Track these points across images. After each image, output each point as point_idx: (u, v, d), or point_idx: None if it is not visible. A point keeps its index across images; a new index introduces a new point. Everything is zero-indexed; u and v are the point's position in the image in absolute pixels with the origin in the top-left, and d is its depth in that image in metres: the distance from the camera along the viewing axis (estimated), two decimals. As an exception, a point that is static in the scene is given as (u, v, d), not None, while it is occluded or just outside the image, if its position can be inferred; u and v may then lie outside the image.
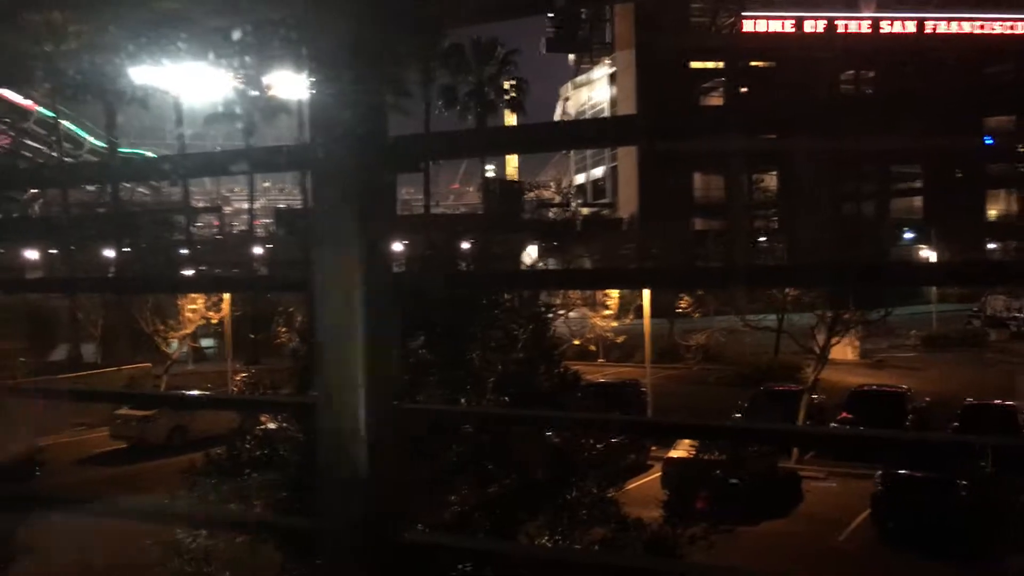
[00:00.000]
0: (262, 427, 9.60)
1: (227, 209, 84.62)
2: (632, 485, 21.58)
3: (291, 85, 54.71)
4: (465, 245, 53.52)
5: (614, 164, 75.99)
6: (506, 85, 57.97)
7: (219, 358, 39.65)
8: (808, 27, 70.10)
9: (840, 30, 70.26)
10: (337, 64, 1.81)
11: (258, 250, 59.33)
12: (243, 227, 70.55)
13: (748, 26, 69.84)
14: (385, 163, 1.86)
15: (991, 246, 65.58)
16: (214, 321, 36.71)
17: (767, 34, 69.80)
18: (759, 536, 18.15)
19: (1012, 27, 71.09)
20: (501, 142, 3.25)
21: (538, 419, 4.43)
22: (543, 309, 10.32)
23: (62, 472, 23.08)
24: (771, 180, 72.17)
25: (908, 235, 63.18)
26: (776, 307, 33.38)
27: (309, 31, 1.83)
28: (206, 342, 43.96)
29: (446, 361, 8.35)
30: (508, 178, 77.66)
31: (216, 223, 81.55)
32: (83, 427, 30.02)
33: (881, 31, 70.61)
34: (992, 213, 75.99)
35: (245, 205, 70.10)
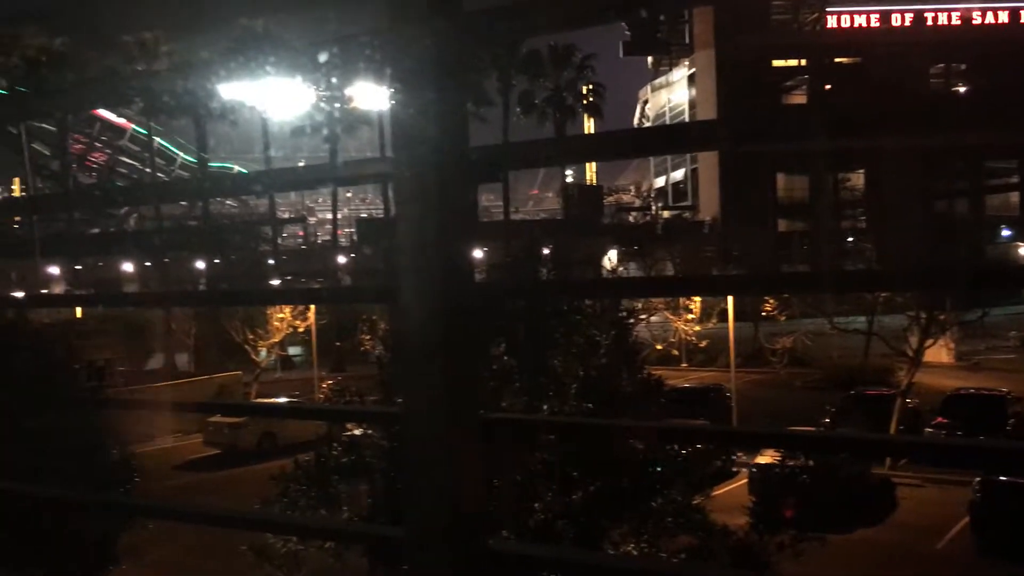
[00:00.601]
0: (348, 434, 9.76)
1: (311, 219, 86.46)
2: (718, 491, 21.29)
3: (372, 97, 55.66)
4: (545, 251, 53.59)
5: (695, 166, 75.12)
6: (584, 90, 57.83)
7: (306, 366, 40.50)
8: (895, 21, 68.16)
9: (929, 23, 68.11)
10: (419, 77, 1.83)
11: (342, 259, 60.49)
12: (327, 237, 71.97)
13: (832, 22, 68.28)
14: (467, 174, 1.87)
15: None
16: (300, 330, 37.54)
17: (852, 29, 68.12)
18: (852, 544, 17.67)
19: (1114, 13, 67.88)
20: (581, 150, 3.26)
21: (624, 429, 4.40)
22: (625, 315, 10.24)
23: (159, 477, 23.85)
24: (858, 179, 70.31)
25: (1005, 233, 60.79)
26: (866, 309, 32.45)
27: (391, 45, 1.86)
28: (293, 350, 44.99)
29: (528, 367, 8.35)
30: (587, 183, 77.43)
31: (301, 233, 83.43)
32: (179, 433, 31.03)
33: (972, 22, 68.20)
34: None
35: (328, 215, 71.48)
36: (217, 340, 39.48)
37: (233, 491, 22.97)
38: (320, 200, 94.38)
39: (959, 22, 68.42)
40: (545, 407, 8.30)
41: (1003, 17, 68.31)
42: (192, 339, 42.60)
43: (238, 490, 22.79)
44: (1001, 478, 17.71)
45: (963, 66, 71.25)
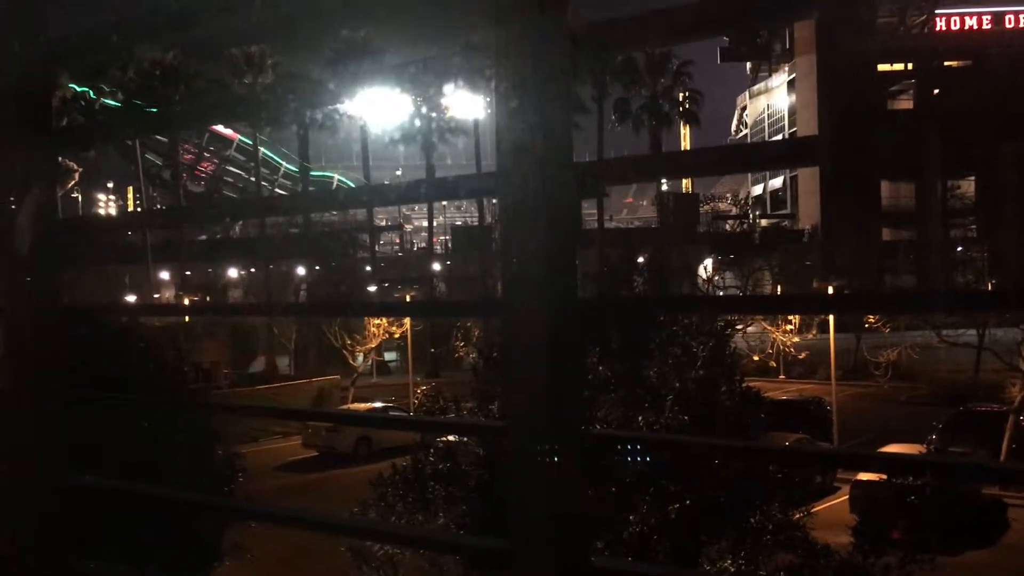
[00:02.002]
0: (444, 440, 9.86)
1: (408, 227, 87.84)
2: (820, 508, 20.73)
3: (468, 106, 56.23)
4: (642, 260, 53.14)
5: (794, 174, 73.48)
6: (680, 97, 57.22)
7: (401, 371, 41.16)
8: (1008, 22, 65.38)
9: (1045, 22, 65.12)
10: (526, 85, 1.84)
11: (437, 267, 61.26)
12: (423, 244, 72.99)
13: (941, 24, 65.94)
14: (571, 187, 1.88)
15: None
16: (396, 336, 38.16)
17: (962, 31, 65.63)
18: (962, 567, 16.96)
19: None
20: (683, 166, 3.23)
21: (721, 448, 4.34)
22: (723, 325, 10.07)
23: (260, 477, 24.55)
24: (968, 186, 67.60)
25: None
26: (977, 321, 31.14)
27: (497, 57, 1.87)
28: (389, 355, 45.77)
29: (624, 378, 8.30)
30: (683, 191, 76.51)
31: (397, 240, 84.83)
32: (279, 435, 31.90)
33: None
34: None
35: (424, 223, 72.47)
36: (316, 344, 40.48)
37: (330, 493, 23.48)
38: (416, 208, 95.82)
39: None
40: (640, 418, 8.23)
41: None
42: (293, 343, 43.77)
43: (335, 492, 23.29)
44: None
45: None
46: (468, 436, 9.72)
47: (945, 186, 66.78)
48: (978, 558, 17.83)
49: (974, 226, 65.26)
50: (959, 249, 61.40)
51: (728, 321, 10.47)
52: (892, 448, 21.44)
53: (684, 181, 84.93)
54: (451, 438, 9.57)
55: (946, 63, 67.16)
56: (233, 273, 54.94)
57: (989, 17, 65.67)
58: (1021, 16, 65.43)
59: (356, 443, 29.04)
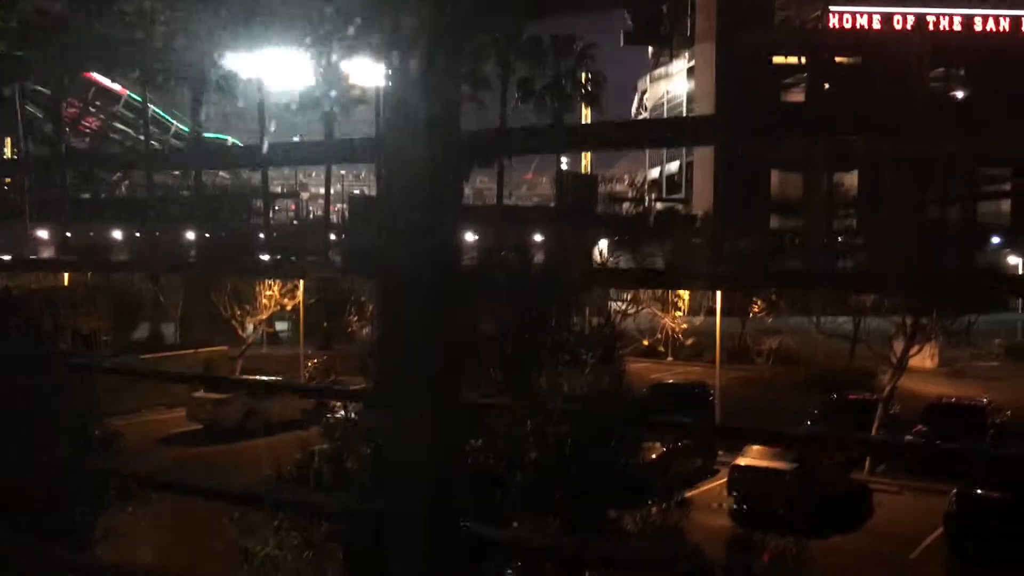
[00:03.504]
0: (332, 442, 9.74)
1: (304, 194, 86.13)
2: (700, 489, 21.45)
3: (370, 75, 55.29)
4: (538, 238, 53.50)
5: (690, 159, 75.11)
6: (583, 79, 57.65)
7: (292, 342, 40.46)
8: (897, 23, 68.13)
9: (931, 26, 68.09)
10: (411, 56, 1.81)
11: (333, 236, 60.33)
12: (319, 212, 71.71)
13: (834, 21, 68.20)
14: (458, 158, 1.85)
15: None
16: (288, 308, 37.50)
17: (854, 29, 68.06)
18: (827, 550, 17.81)
19: (1115, 25, 68.03)
20: (576, 140, 3.24)
21: (604, 417, 4.44)
22: (612, 331, 10.28)
23: (140, 452, 23.82)
24: (852, 180, 70.46)
25: (995, 240, 61.07)
26: (853, 311, 32.59)
27: (385, 21, 1.84)
28: (280, 326, 44.94)
29: (512, 384, 8.39)
30: (582, 171, 77.33)
31: (293, 207, 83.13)
32: (162, 407, 30.98)
33: (974, 28, 68.25)
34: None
35: (322, 190, 71.17)
36: (205, 314, 39.41)
37: (216, 469, 22.98)
38: (314, 175, 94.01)
39: (960, 27, 68.43)
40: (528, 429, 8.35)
41: (1004, 25, 68.36)
42: (179, 311, 42.50)
43: (221, 468, 22.82)
44: (977, 491, 17.90)
45: (962, 71, 71.32)
46: (344, 402, 9.61)
47: (830, 178, 69.52)
48: (844, 542, 18.78)
49: (855, 219, 68.01)
50: (840, 239, 63.93)
51: (618, 331, 10.71)
52: (770, 433, 22.32)
53: (583, 161, 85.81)
54: (337, 440, 9.48)
55: (837, 59, 69.54)
56: (118, 235, 52.85)
57: (879, 17, 68.24)
58: (909, 17, 68.21)
59: (244, 416, 28.44)
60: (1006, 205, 72.23)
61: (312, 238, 58.64)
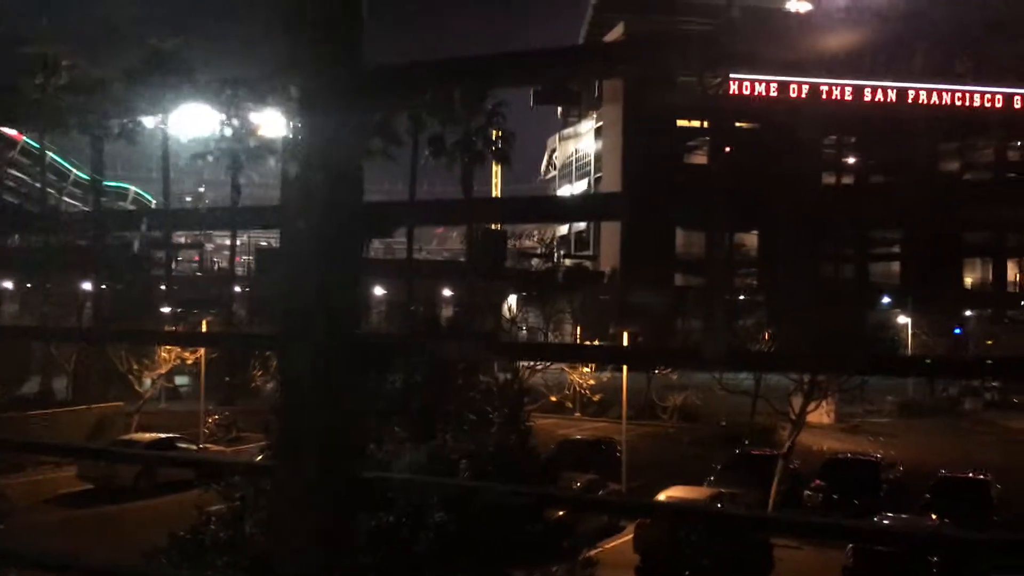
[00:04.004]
0: (229, 504, 9.45)
1: (209, 245, 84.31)
2: (606, 547, 21.45)
3: (279, 127, 54.80)
4: (447, 293, 53.53)
5: (598, 217, 76.52)
6: (494, 136, 58.46)
7: (193, 397, 39.22)
8: (792, 91, 71.36)
9: (823, 96, 71.54)
10: (313, 126, 1.80)
11: (238, 289, 59.11)
12: (225, 264, 70.27)
13: (734, 88, 71.02)
14: (356, 228, 1.84)
15: (967, 313, 66.21)
16: (189, 362, 36.44)
17: (752, 96, 70.97)
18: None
19: (991, 100, 72.66)
20: (478, 214, 3.24)
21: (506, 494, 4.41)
22: (518, 391, 10.33)
23: (26, 512, 22.59)
24: (752, 240, 72.89)
25: (886, 300, 63.73)
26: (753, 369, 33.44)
27: (286, 87, 1.83)
28: (180, 380, 43.53)
29: (420, 442, 8.33)
30: (492, 227, 77.90)
31: (197, 258, 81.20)
32: (51, 465, 29.51)
33: (864, 98, 71.98)
34: (968, 281, 76.95)
35: (227, 241, 69.82)
36: (99, 367, 37.94)
37: (107, 532, 21.93)
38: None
39: (851, 97, 72.09)
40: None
41: (892, 96, 72.30)
42: (72, 364, 40.82)
43: (112, 531, 21.80)
44: (872, 545, 18.36)
45: (853, 139, 74.96)
46: (237, 475, 9.36)
47: (732, 238, 71.70)
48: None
49: (756, 278, 70.20)
50: (741, 298, 65.73)
51: (523, 389, 10.76)
52: (674, 489, 22.54)
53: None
54: (237, 501, 9.19)
55: (737, 124, 72.30)
56: (8, 285, 50.70)
57: (776, 85, 71.38)
58: (804, 87, 71.53)
59: (137, 476, 27.27)
60: (896, 266, 75.67)
61: (216, 291, 57.33)
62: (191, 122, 54.07)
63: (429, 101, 51.86)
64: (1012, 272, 77.69)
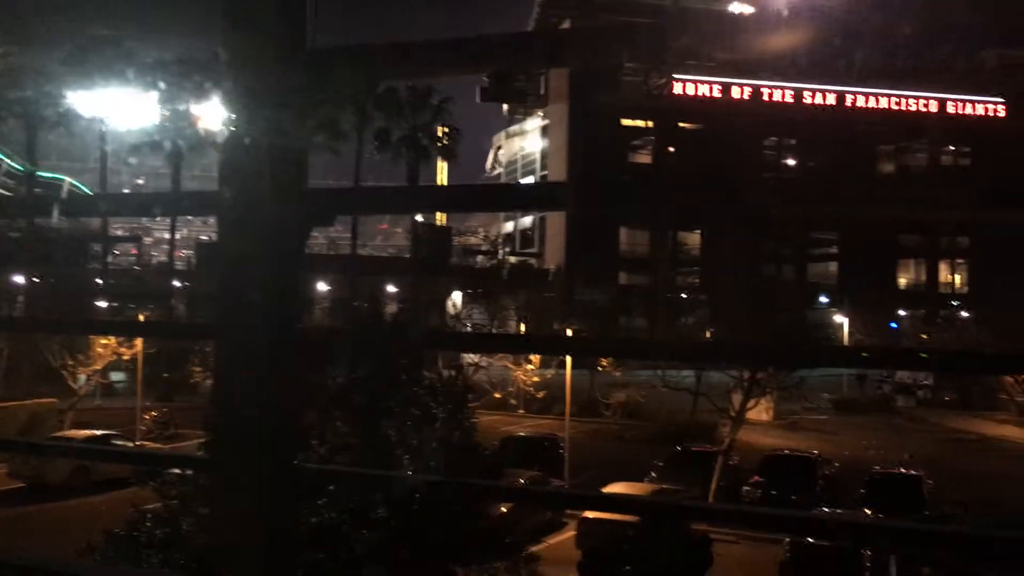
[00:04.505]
0: (165, 502, 9.26)
1: (147, 239, 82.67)
2: (549, 543, 21.55)
3: (218, 117, 53.91)
4: (392, 289, 53.24)
5: (543, 215, 76.78)
6: (439, 132, 58.26)
7: (130, 393, 38.41)
8: (735, 93, 72.36)
9: (765, 98, 72.69)
10: (257, 111, 1.76)
11: (177, 283, 58.03)
12: (164, 258, 68.97)
13: (678, 88, 71.77)
14: (298, 216, 1.81)
15: (900, 313, 67.91)
16: (126, 358, 35.67)
17: (696, 97, 71.80)
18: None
19: (926, 105, 74.53)
20: (424, 201, 3.22)
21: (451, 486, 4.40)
22: (462, 387, 10.31)
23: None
24: (695, 239, 73.83)
25: (823, 299, 65.06)
26: (695, 364, 33.83)
27: (227, 75, 1.79)
28: (116, 376, 42.60)
29: (362, 437, 8.26)
30: (437, 223, 77.72)
31: (135, 252, 79.57)
32: (-22, 463, 28.64)
33: (804, 101, 73.29)
34: (902, 281, 78.93)
35: (166, 235, 68.58)
36: (32, 362, 36.96)
37: (39, 531, 21.37)
38: (158, 219, 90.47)
39: (792, 99, 73.36)
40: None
41: (831, 99, 73.73)
42: (3, 360, 39.68)
43: (45, 530, 21.24)
44: (809, 540, 18.73)
45: (793, 141, 76.34)
46: (178, 469, 9.20)
47: (675, 237, 72.57)
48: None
49: (699, 277, 71.11)
50: (684, 296, 66.57)
51: (467, 386, 10.75)
52: (616, 485, 22.70)
53: (438, 213, 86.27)
54: (172, 500, 9.02)
55: (680, 124, 73.11)
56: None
57: (719, 87, 72.32)
58: (746, 89, 72.57)
59: (71, 473, 26.62)
60: (833, 266, 77.27)
61: (155, 285, 56.23)
62: (129, 113, 52.92)
63: (374, 94, 51.55)
64: (944, 273, 79.88)
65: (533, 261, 73.29)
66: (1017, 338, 30.82)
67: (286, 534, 1.84)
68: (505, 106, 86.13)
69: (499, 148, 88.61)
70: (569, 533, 22.33)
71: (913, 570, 17.41)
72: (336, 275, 52.66)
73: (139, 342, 34.30)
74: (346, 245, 68.16)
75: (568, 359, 31.34)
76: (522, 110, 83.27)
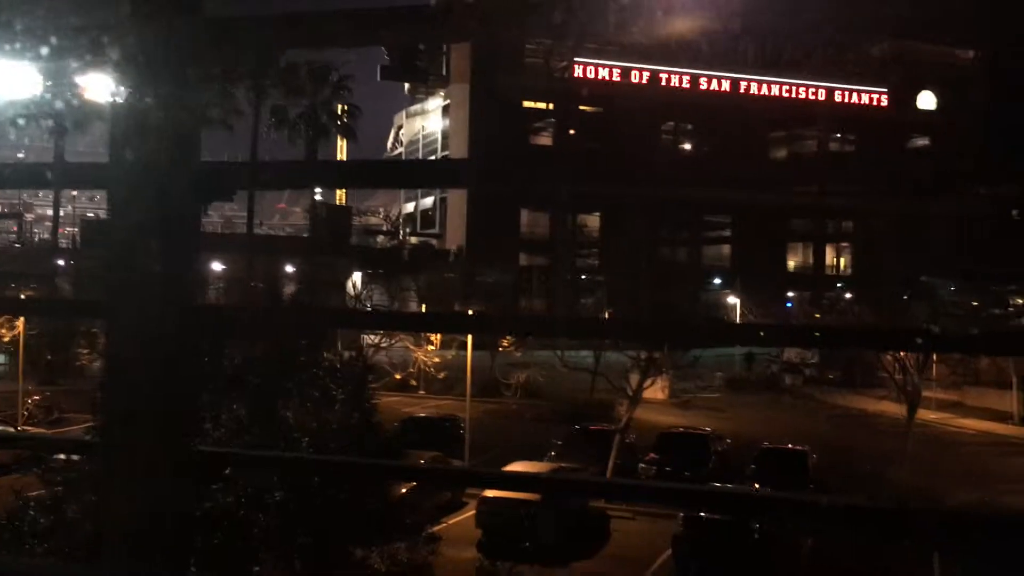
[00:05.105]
0: (54, 488, 8.90)
1: (29, 216, 78.96)
2: (448, 523, 21.63)
3: (108, 88, 51.72)
4: (290, 270, 52.28)
5: (444, 195, 76.50)
6: (339, 110, 57.27)
7: (10, 377, 36.73)
8: (634, 77, 73.40)
9: (663, 83, 73.97)
10: (149, 80, 1.71)
11: (62, 262, 55.63)
12: (47, 236, 66.06)
13: (579, 71, 72.35)
14: (193, 190, 1.76)
15: (789, 294, 70.38)
16: (6, 340, 34.09)
17: (596, 81, 72.54)
18: (568, 577, 18.55)
19: (815, 93, 77.12)
20: (324, 177, 3.16)
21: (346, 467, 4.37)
22: (363, 368, 10.22)
23: None
24: (594, 221, 74.80)
25: (717, 281, 66.87)
26: (594, 347, 34.41)
27: (119, 42, 1.73)
28: (-4, 358, 40.69)
29: (260, 420, 8.10)
30: (336, 202, 76.60)
31: (15, 230, 75.96)
32: None
33: (700, 87, 74.89)
34: (791, 264, 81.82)
35: (49, 212, 65.65)
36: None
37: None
38: (40, 195, 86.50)
39: (689, 85, 74.87)
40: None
41: (726, 85, 75.56)
42: None
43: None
44: (701, 514, 19.32)
45: (690, 126, 78.01)
46: (64, 454, 8.89)
47: (575, 219, 73.37)
48: (582, 567, 19.61)
49: (599, 258, 72.11)
50: (583, 277, 67.42)
51: (367, 367, 10.67)
52: (516, 465, 22.92)
53: (338, 192, 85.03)
54: (57, 487, 8.68)
55: (581, 107, 73.79)
56: None
57: (619, 71, 73.23)
58: (645, 73, 73.69)
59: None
60: (727, 249, 79.49)
61: (37, 263, 53.73)
62: (6, 83, 50.24)
63: (272, 69, 50.31)
64: (830, 256, 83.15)
65: (434, 242, 73.03)
66: (894, 316, 32.34)
67: (180, 519, 1.80)
68: (407, 85, 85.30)
69: (400, 128, 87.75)
70: (469, 513, 22.45)
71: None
72: (232, 255, 51.37)
73: (21, 323, 32.82)
74: (242, 224, 66.56)
75: (469, 340, 31.41)
76: (424, 90, 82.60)
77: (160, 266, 1.74)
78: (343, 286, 47.04)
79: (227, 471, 7.28)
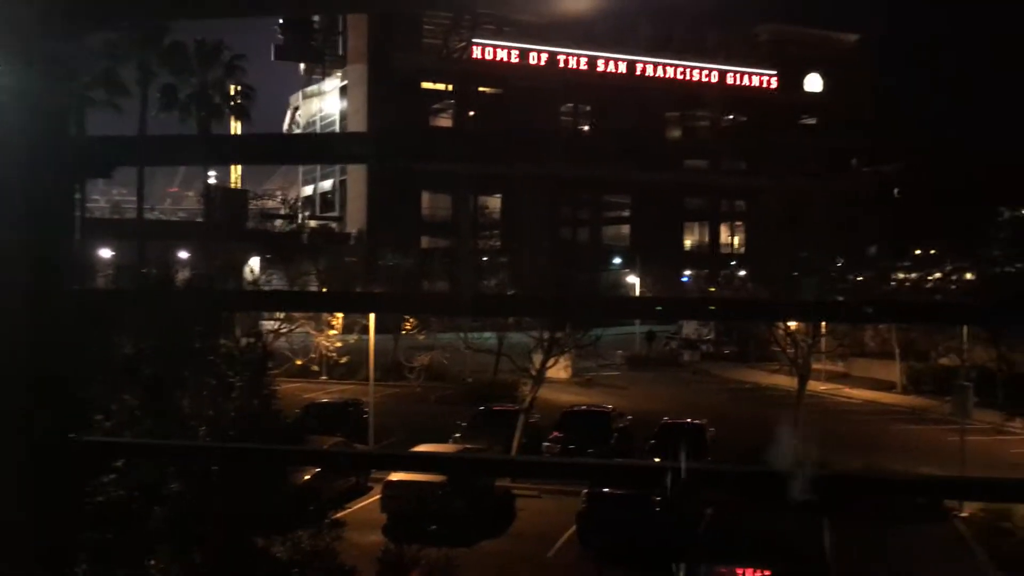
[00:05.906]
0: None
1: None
2: (353, 508, 21.45)
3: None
4: (184, 255, 50.75)
5: (344, 178, 75.43)
6: (232, 90, 55.69)
7: None
8: (532, 59, 73.64)
9: (561, 65, 74.44)
10: (8, 47, 1.61)
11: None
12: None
13: (477, 53, 72.19)
14: (66, 166, 1.67)
15: (686, 272, 72.07)
16: None
17: (495, 62, 72.50)
18: (475, 556, 18.65)
19: (707, 75, 78.84)
20: (217, 152, 3.08)
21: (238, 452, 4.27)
22: (261, 355, 10.00)
23: None
24: (496, 202, 74.97)
25: (617, 260, 67.93)
26: (497, 327, 34.55)
27: None
28: None
29: (153, 409, 7.84)
30: (232, 185, 74.72)
31: None
32: None
33: (597, 69, 75.66)
34: (687, 243, 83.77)
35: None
36: None
37: None
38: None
39: (586, 67, 75.56)
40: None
41: (622, 67, 76.54)
42: None
43: None
44: (603, 489, 19.69)
45: (588, 107, 78.79)
46: None
47: (476, 201, 73.39)
48: (490, 547, 19.76)
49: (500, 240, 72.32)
50: (485, 259, 67.54)
51: (267, 353, 10.45)
52: (421, 447, 22.88)
53: (233, 175, 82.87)
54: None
55: (480, 88, 73.68)
56: None
57: (517, 52, 73.34)
58: (543, 55, 73.99)
59: None
60: (626, 229, 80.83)
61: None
62: None
63: (158, 47, 48.54)
64: (724, 235, 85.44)
65: (334, 225, 71.93)
66: (783, 291, 33.43)
67: (60, 515, 1.72)
68: (302, 65, 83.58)
69: (297, 109, 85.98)
70: (374, 497, 22.33)
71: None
72: (121, 241, 49.51)
73: None
74: (131, 209, 64.23)
75: (371, 322, 31.14)
76: (320, 70, 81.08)
77: (32, 245, 1.64)
78: (240, 271, 45.84)
79: (118, 463, 7.05)
